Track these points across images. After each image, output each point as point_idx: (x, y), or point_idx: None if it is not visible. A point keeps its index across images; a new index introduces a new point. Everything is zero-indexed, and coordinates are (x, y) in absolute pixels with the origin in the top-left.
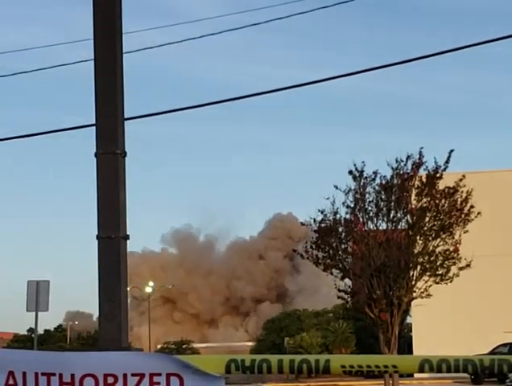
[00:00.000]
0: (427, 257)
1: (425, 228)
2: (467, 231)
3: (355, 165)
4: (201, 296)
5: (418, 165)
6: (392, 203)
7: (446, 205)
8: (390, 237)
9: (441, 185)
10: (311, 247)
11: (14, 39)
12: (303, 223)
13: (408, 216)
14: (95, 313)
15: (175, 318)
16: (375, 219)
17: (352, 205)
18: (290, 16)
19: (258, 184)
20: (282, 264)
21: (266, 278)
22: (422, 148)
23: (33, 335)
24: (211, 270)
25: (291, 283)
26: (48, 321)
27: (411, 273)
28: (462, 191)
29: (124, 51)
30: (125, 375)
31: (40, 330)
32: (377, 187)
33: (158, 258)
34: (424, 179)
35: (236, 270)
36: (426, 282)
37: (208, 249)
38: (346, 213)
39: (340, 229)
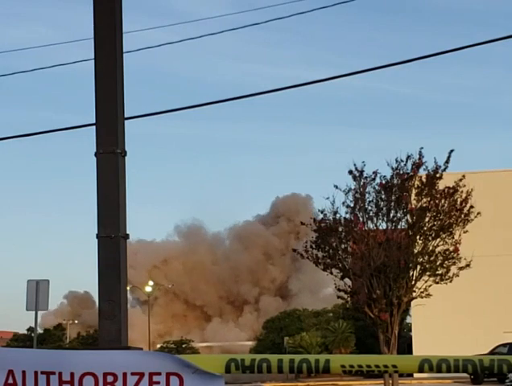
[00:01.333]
0: (426, 257)
1: (425, 228)
2: (467, 231)
3: (355, 164)
4: (204, 290)
5: (418, 165)
6: (392, 203)
7: (446, 205)
8: (390, 237)
9: (441, 185)
10: (311, 246)
11: (14, 37)
12: (302, 223)
13: (408, 216)
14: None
15: (177, 313)
16: (375, 219)
17: (352, 205)
18: (290, 16)
19: (257, 183)
20: (285, 261)
21: (269, 272)
22: (422, 148)
23: (32, 334)
24: (214, 264)
25: (294, 281)
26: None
27: (411, 273)
28: (462, 191)
29: (124, 50)
30: (124, 374)
31: (40, 329)
32: (377, 187)
33: (163, 251)
34: (424, 179)
35: (238, 264)
36: (425, 282)
37: (212, 242)
38: (346, 213)
39: (340, 229)
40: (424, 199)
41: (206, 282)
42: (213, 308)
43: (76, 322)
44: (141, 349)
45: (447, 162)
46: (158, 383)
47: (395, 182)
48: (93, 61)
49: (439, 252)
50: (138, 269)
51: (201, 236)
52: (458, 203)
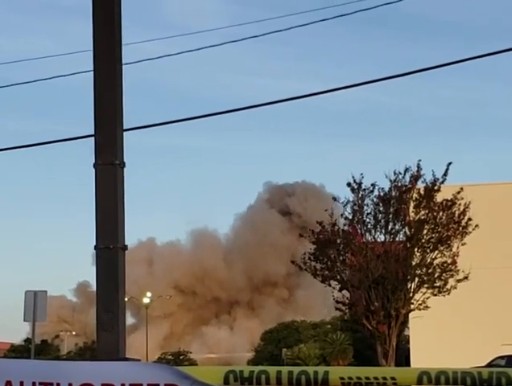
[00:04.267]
0: (424, 269)
1: (423, 241)
2: (464, 243)
3: (353, 177)
4: (208, 298)
5: (416, 177)
6: (390, 215)
7: (444, 217)
8: (388, 249)
9: (439, 197)
10: (310, 258)
11: (13, 49)
12: (301, 235)
13: (406, 228)
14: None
15: (176, 322)
16: (373, 231)
17: (350, 217)
18: (289, 29)
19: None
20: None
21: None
22: (420, 160)
23: (30, 345)
24: (221, 267)
25: (296, 290)
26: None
27: (409, 285)
28: (460, 204)
29: (124, 62)
30: (123, 385)
31: (37, 341)
32: (375, 199)
33: (168, 253)
34: (422, 192)
35: (243, 269)
36: (424, 294)
37: (216, 246)
38: (344, 225)
39: (339, 241)
40: (422, 212)
41: (211, 289)
42: (216, 317)
43: (74, 333)
44: (139, 360)
45: (445, 174)
46: None
47: (393, 194)
48: (93, 73)
49: (437, 265)
50: (138, 279)
51: (207, 241)
52: (456, 215)
